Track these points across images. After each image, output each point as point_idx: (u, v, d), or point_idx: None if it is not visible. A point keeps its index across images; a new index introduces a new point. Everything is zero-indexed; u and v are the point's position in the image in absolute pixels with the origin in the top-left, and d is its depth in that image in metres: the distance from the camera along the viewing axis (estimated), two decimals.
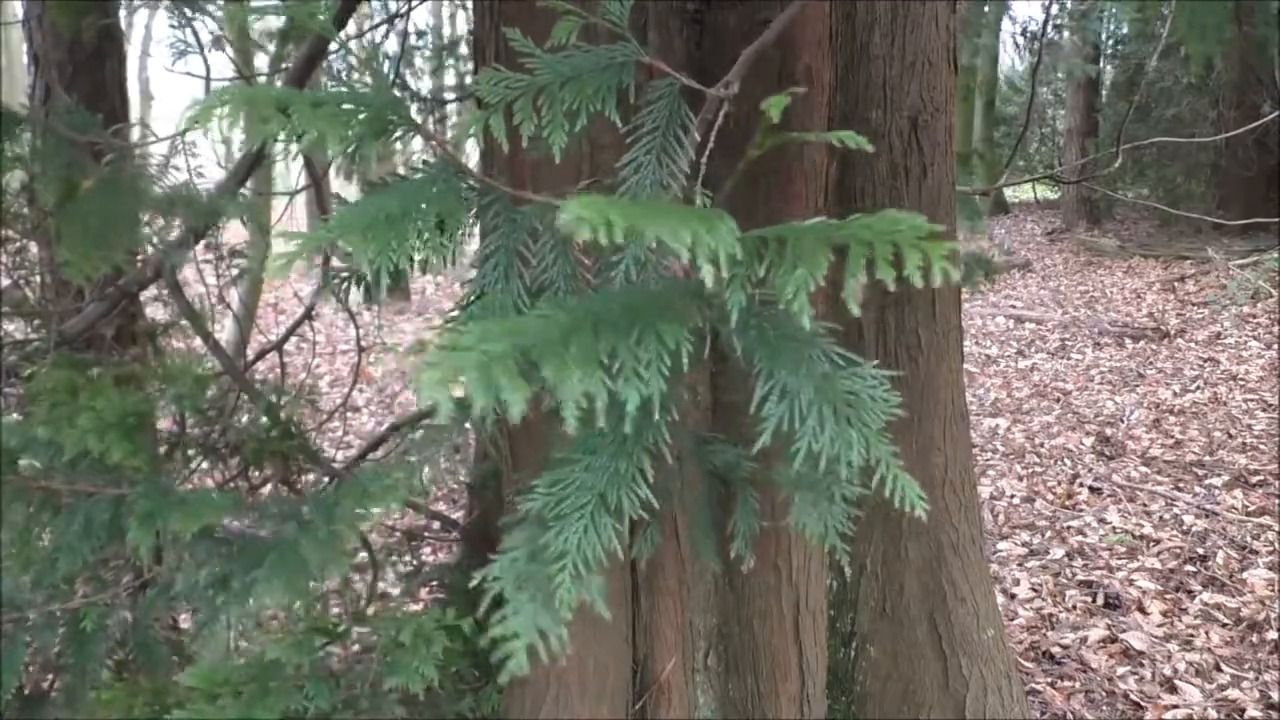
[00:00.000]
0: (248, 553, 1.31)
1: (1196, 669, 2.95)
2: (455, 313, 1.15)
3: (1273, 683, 2.85)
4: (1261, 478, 4.44)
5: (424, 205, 0.95)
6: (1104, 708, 2.80)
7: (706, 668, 1.87)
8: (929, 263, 0.72)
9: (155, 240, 1.94)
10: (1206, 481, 4.46)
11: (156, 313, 2.78)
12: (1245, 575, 3.52)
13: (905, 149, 2.09)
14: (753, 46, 1.08)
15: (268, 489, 1.89)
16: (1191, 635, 3.15)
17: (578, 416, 0.74)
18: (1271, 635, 3.11)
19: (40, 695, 1.66)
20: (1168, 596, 3.41)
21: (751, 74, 1.09)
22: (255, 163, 2.37)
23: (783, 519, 1.74)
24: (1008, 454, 5.11)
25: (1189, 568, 3.62)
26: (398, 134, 1.00)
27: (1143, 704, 2.80)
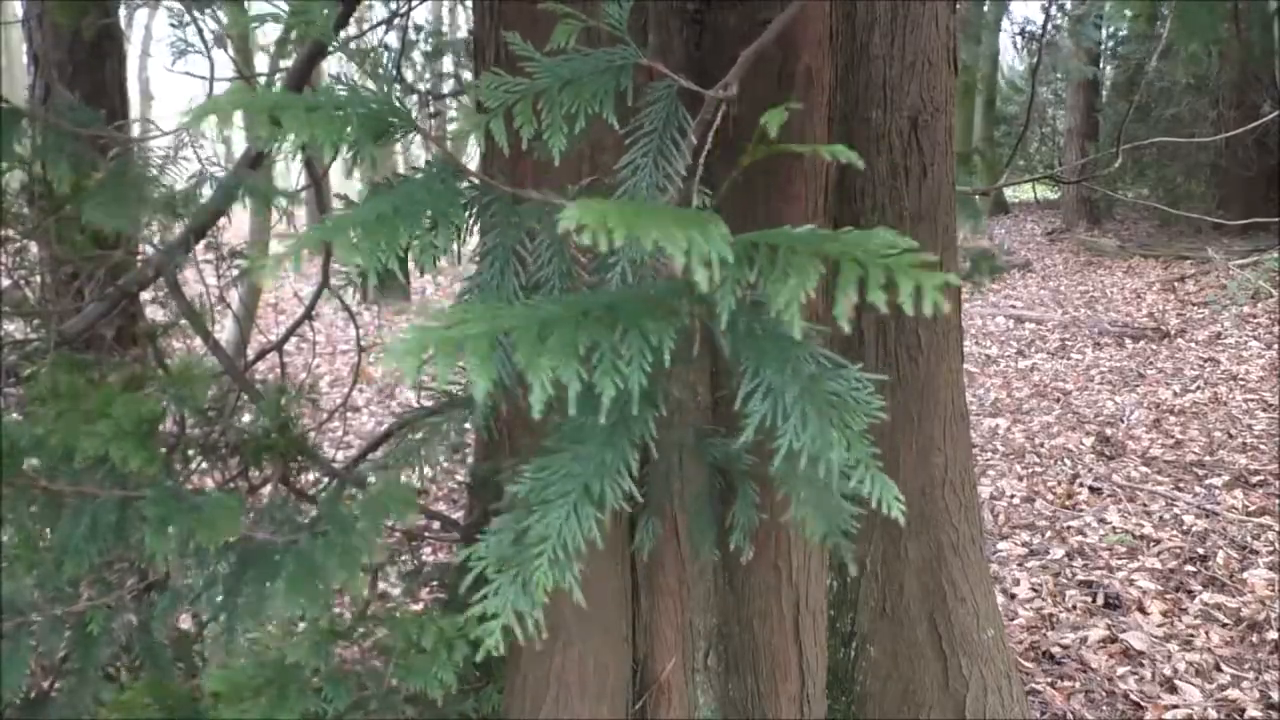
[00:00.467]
0: (257, 559, 1.31)
1: (1196, 669, 2.95)
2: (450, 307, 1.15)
3: (1273, 683, 2.85)
4: (1261, 478, 4.44)
5: (417, 205, 0.96)
6: (1104, 708, 2.80)
7: (706, 668, 1.87)
8: (922, 293, 0.73)
9: (156, 240, 1.94)
10: (1206, 481, 4.47)
11: (156, 313, 2.78)
12: (1245, 575, 3.52)
13: (905, 149, 2.09)
14: (752, 47, 1.09)
15: (268, 489, 1.89)
16: (1191, 635, 3.15)
17: (544, 402, 0.75)
18: (1271, 635, 3.11)
19: (43, 697, 1.66)
20: (1168, 596, 3.41)
21: (752, 74, 1.09)
22: (255, 163, 2.37)
23: (782, 515, 1.75)
24: (1008, 454, 5.11)
25: (1189, 568, 3.62)
26: (397, 135, 1.00)
27: (1143, 704, 2.80)
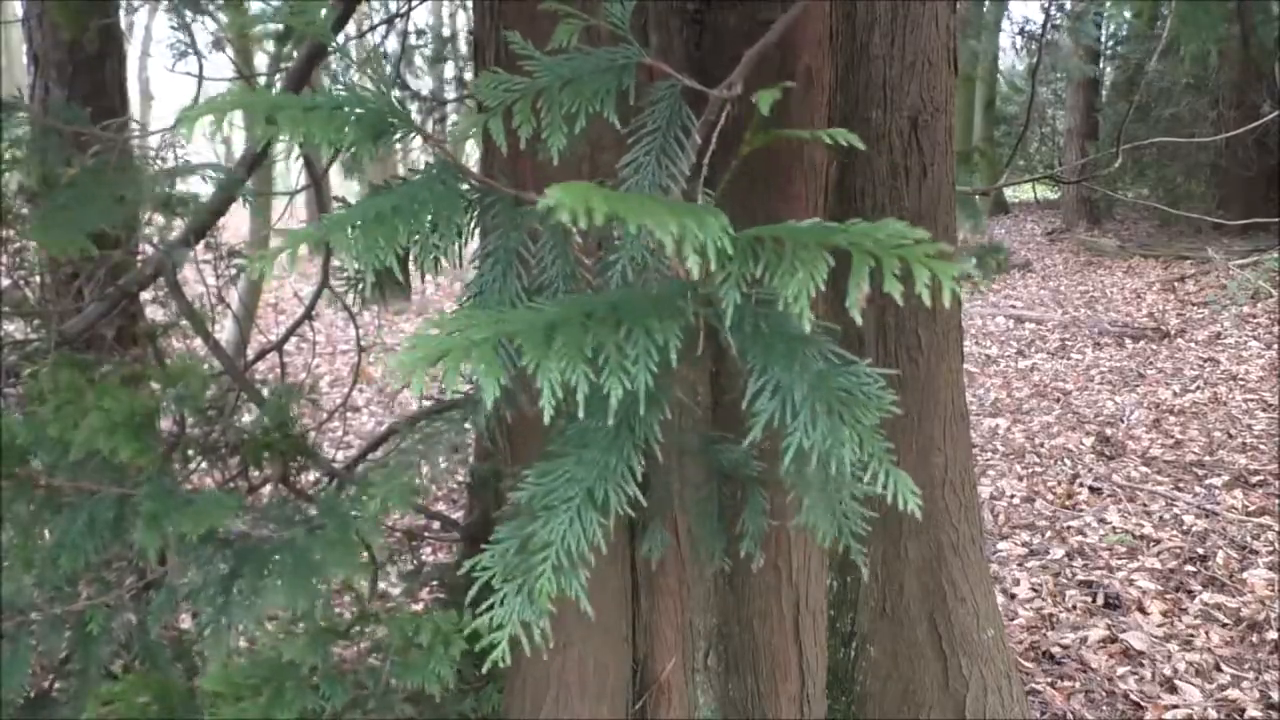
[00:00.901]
0: (253, 555, 1.31)
1: (1196, 669, 2.95)
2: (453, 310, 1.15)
3: (1273, 683, 2.85)
4: (1261, 478, 4.44)
5: (417, 205, 0.96)
6: (1104, 708, 2.80)
7: (706, 668, 1.87)
8: (938, 282, 0.72)
9: (155, 240, 1.94)
10: (1206, 481, 4.46)
11: (156, 313, 2.78)
12: (1245, 575, 3.52)
13: (905, 149, 2.09)
14: (755, 48, 1.09)
15: (268, 489, 1.89)
16: (1191, 635, 3.15)
17: (555, 405, 0.75)
18: (1271, 635, 3.11)
19: (44, 697, 1.66)
20: (1168, 596, 3.41)
21: (752, 74, 1.09)
22: (256, 162, 2.37)
23: (787, 518, 1.75)
24: (1008, 454, 5.11)
25: (1189, 568, 3.62)
26: (397, 135, 1.00)
27: (1143, 704, 2.80)
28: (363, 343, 3.45)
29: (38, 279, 2.52)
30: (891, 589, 2.16)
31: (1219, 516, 4.05)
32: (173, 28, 2.59)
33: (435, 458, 1.26)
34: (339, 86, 1.02)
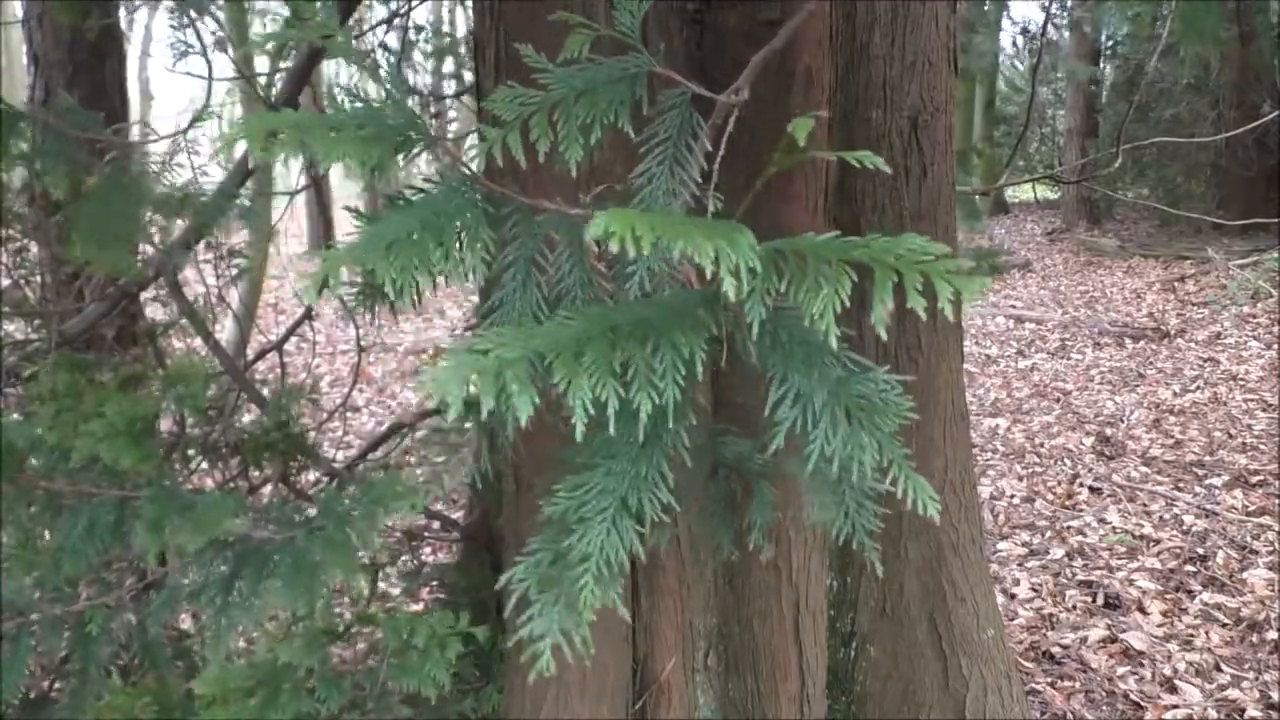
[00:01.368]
0: (253, 556, 1.31)
1: (1196, 669, 2.95)
2: (474, 323, 1.16)
3: (1273, 683, 2.85)
4: (1261, 478, 4.44)
5: (441, 220, 0.96)
6: (1104, 708, 2.80)
7: (706, 668, 1.87)
8: (959, 296, 0.73)
9: (156, 240, 1.94)
10: (1206, 481, 4.47)
11: (156, 313, 2.78)
12: (1245, 575, 3.52)
13: (905, 149, 2.09)
14: (761, 54, 1.09)
15: (268, 489, 1.89)
16: (1191, 635, 3.15)
17: (586, 422, 0.75)
18: (1271, 635, 3.11)
19: (43, 698, 1.66)
20: (1168, 596, 3.41)
21: (756, 72, 1.09)
22: (256, 164, 2.37)
23: (792, 514, 1.74)
24: (1008, 454, 5.11)
25: (1189, 568, 3.62)
26: (416, 150, 1.00)
27: (1143, 704, 2.80)
28: (363, 343, 3.45)
29: (38, 279, 2.52)
30: (891, 589, 2.16)
31: (1219, 516, 4.05)
32: (173, 27, 2.59)
33: (456, 466, 1.27)
34: (344, 93, 1.02)
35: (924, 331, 2.11)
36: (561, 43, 1.11)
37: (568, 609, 0.92)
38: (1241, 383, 6.01)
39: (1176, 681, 2.89)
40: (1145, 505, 4.27)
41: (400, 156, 0.99)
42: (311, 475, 2.18)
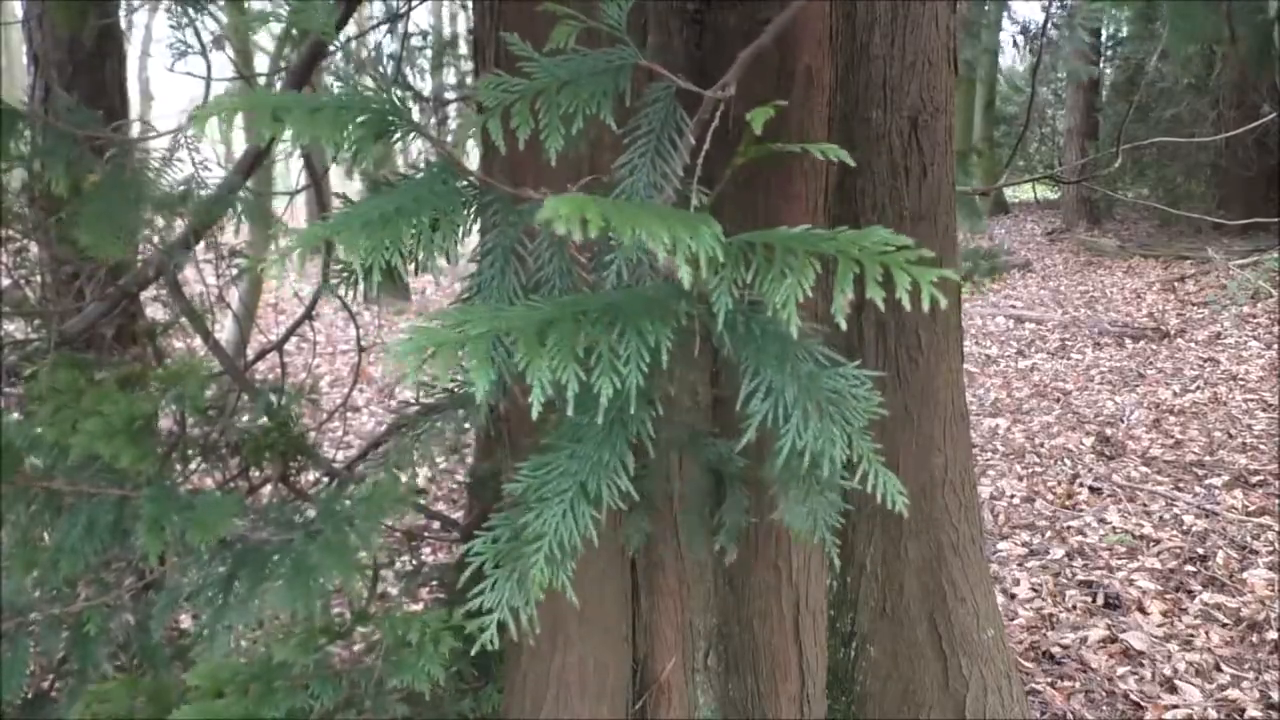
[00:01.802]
0: (252, 558, 1.31)
1: (1196, 669, 2.95)
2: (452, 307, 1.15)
3: (1273, 683, 2.85)
4: (1261, 478, 4.44)
5: (419, 204, 0.97)
6: (1104, 708, 2.80)
7: (706, 668, 1.87)
8: (918, 287, 0.74)
9: (156, 240, 1.94)
10: (1206, 481, 4.46)
11: (156, 313, 2.78)
12: (1245, 575, 3.52)
13: (905, 149, 2.09)
14: (749, 49, 1.09)
15: (268, 489, 1.89)
16: (1191, 635, 3.15)
17: (542, 402, 0.76)
18: (1271, 635, 3.11)
19: (43, 697, 1.66)
20: (1168, 596, 3.41)
21: (752, 74, 1.09)
22: (256, 162, 2.37)
23: (776, 516, 1.75)
24: (1008, 454, 5.11)
25: (1189, 568, 3.62)
26: (398, 135, 1.01)
27: (1143, 704, 2.80)
28: (363, 343, 3.45)
29: (38, 279, 2.52)
30: (891, 589, 2.16)
31: (1219, 516, 4.05)
32: (172, 27, 2.59)
33: (432, 455, 1.27)
34: (339, 85, 1.02)
35: (924, 331, 2.11)
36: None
37: (518, 586, 0.93)
38: (1241, 383, 6.01)
39: (1176, 681, 2.89)
40: (1145, 505, 4.27)
41: (381, 141, 0.99)
42: (312, 475, 2.17)
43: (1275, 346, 6.66)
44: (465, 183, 1.06)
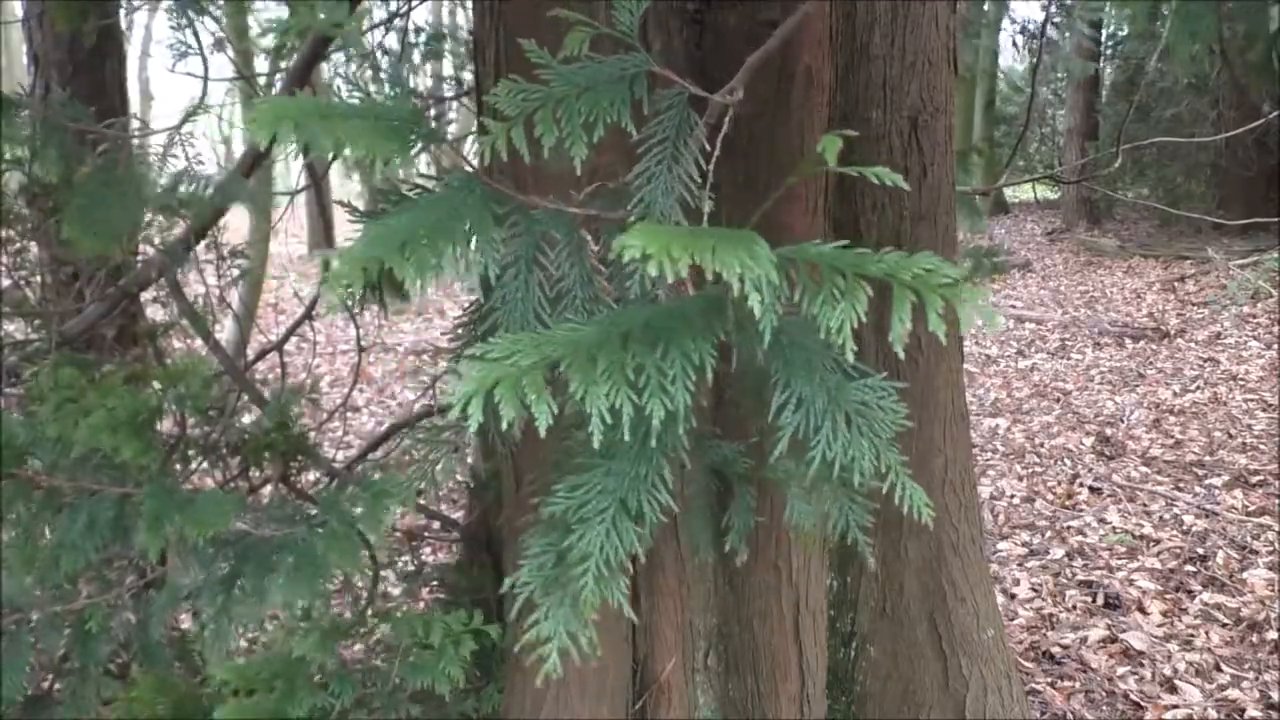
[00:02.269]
0: (255, 553, 1.31)
1: (1196, 669, 2.95)
2: (467, 320, 1.15)
3: (1273, 683, 2.85)
4: (1261, 478, 4.44)
5: (453, 219, 0.96)
6: (1104, 708, 2.80)
7: (706, 668, 1.87)
8: (978, 319, 0.74)
9: (156, 240, 1.94)
10: (1206, 481, 4.46)
11: (156, 313, 2.78)
12: (1245, 575, 3.52)
13: (905, 149, 2.09)
14: (757, 54, 1.09)
15: (268, 489, 1.90)
16: (1191, 635, 3.15)
17: (603, 429, 0.76)
18: (1271, 635, 3.11)
19: (43, 696, 1.66)
20: (1168, 596, 3.41)
21: (752, 74, 1.09)
22: (256, 162, 2.37)
23: (783, 518, 1.74)
24: (1008, 454, 5.11)
25: (1189, 568, 3.62)
26: (418, 145, 1.00)
27: (1143, 704, 2.80)
28: (363, 343, 3.45)
29: (38, 279, 2.52)
30: (891, 589, 2.16)
31: (1219, 516, 4.05)
32: (173, 28, 2.59)
33: (451, 462, 1.27)
34: (348, 88, 1.02)
35: (924, 332, 2.11)
36: (560, 43, 1.11)
37: (572, 610, 0.92)
38: (1241, 383, 6.01)
39: (1176, 681, 2.89)
40: (1145, 505, 4.27)
41: (403, 151, 0.99)
42: (312, 475, 2.18)
43: (1275, 346, 6.66)
44: (484, 194, 1.06)
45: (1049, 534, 4.03)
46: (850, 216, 2.09)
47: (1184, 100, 10.90)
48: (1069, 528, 4.07)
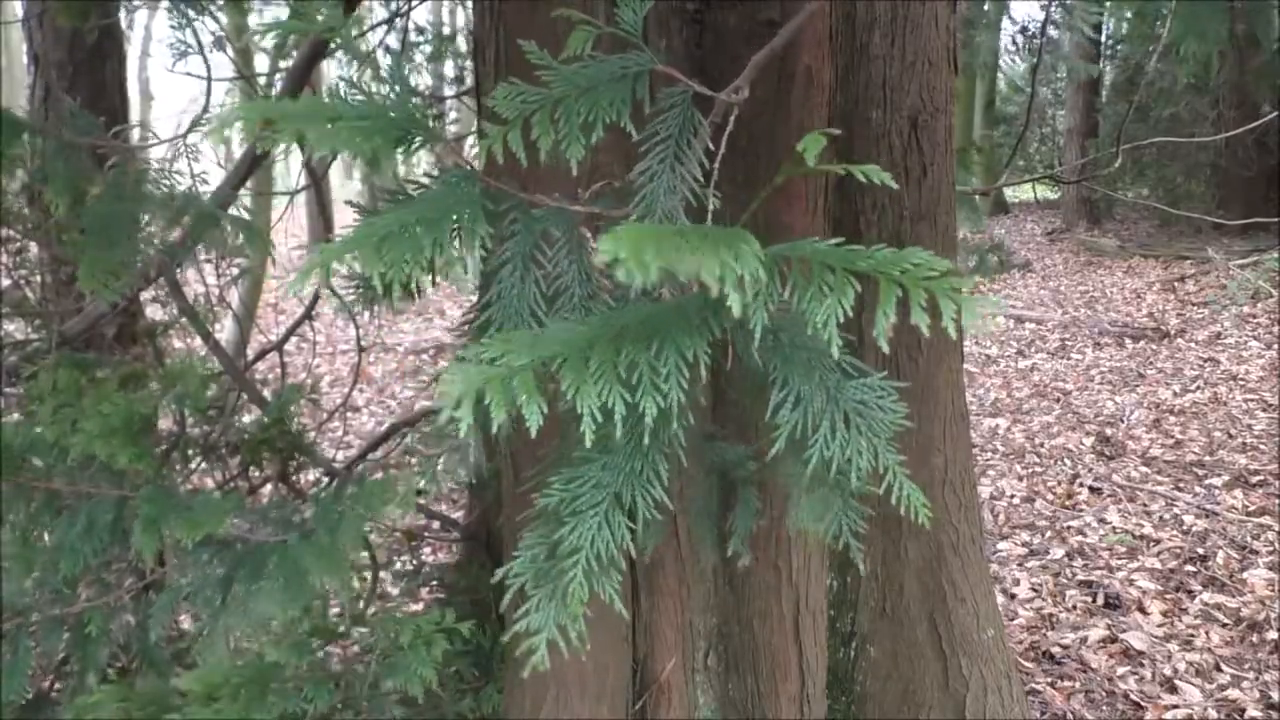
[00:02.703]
0: (249, 558, 1.31)
1: (1196, 669, 2.95)
2: (472, 317, 1.15)
3: (1273, 683, 2.85)
4: (1261, 478, 4.44)
5: (439, 214, 0.96)
6: (1104, 708, 2.80)
7: (706, 668, 1.87)
8: (963, 316, 0.74)
9: (156, 240, 1.94)
10: (1206, 481, 4.46)
11: (156, 313, 2.78)
12: (1245, 575, 3.52)
13: (905, 149, 2.09)
14: (761, 54, 1.09)
15: (268, 489, 1.90)
16: (1191, 635, 3.15)
17: (594, 427, 0.76)
18: (1271, 635, 3.11)
19: (43, 698, 1.66)
20: (1168, 596, 3.41)
21: (756, 71, 1.09)
22: (255, 163, 2.37)
23: (783, 519, 1.74)
24: (1008, 454, 5.11)
25: (1189, 568, 3.62)
26: (416, 144, 1.00)
27: (1143, 704, 2.80)
28: (363, 343, 3.45)
29: (38, 279, 2.52)
30: (891, 589, 2.16)
31: (1219, 516, 4.05)
32: (173, 27, 2.59)
33: (453, 463, 1.27)
34: (346, 86, 1.02)
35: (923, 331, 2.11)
36: (560, 42, 1.11)
37: (563, 603, 0.92)
38: (1241, 383, 6.00)
39: (1176, 681, 2.89)
40: (1145, 505, 4.27)
41: (400, 151, 0.99)
42: (311, 475, 2.18)
43: (1275, 346, 6.66)
44: (479, 191, 1.06)
45: (1049, 534, 4.03)
46: (850, 216, 2.09)
47: (1184, 100, 10.90)
48: (1069, 528, 4.07)
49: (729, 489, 1.57)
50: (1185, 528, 3.98)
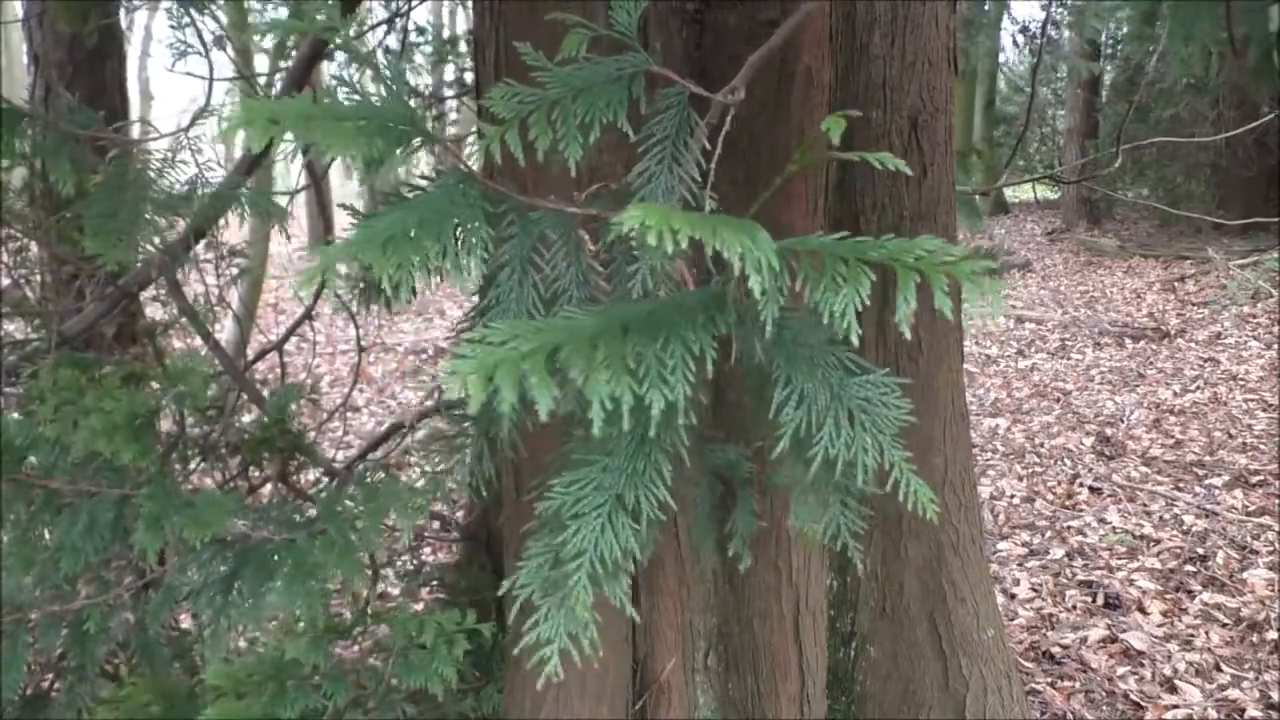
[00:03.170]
0: (254, 557, 1.31)
1: (1196, 669, 2.95)
2: (470, 323, 1.15)
3: (1273, 683, 2.85)
4: (1261, 478, 4.44)
5: (441, 218, 0.95)
6: (1104, 708, 2.80)
7: (706, 668, 1.87)
8: (989, 299, 0.74)
9: (156, 240, 1.94)
10: (1206, 481, 4.46)
11: (156, 313, 2.78)
12: (1245, 575, 3.52)
13: (905, 149, 2.09)
14: (759, 53, 1.09)
15: (268, 489, 1.89)
16: (1191, 635, 3.15)
17: (602, 419, 0.75)
18: (1271, 635, 3.11)
19: (42, 696, 1.66)
20: (1168, 596, 3.41)
21: (753, 72, 1.09)
22: (256, 162, 2.37)
23: (783, 519, 1.74)
24: (1008, 454, 5.11)
25: (1189, 568, 3.62)
26: (417, 145, 1.00)
27: (1143, 704, 2.80)
28: (363, 343, 3.45)
29: (38, 279, 2.52)
30: (891, 589, 2.16)
31: (1219, 516, 4.05)
32: (172, 27, 2.59)
33: (462, 467, 1.27)
34: (346, 89, 1.02)
35: (924, 332, 2.11)
36: (559, 43, 1.11)
37: (571, 611, 0.91)
38: (1241, 383, 6.00)
39: (1176, 681, 2.89)
40: (1145, 505, 4.27)
41: (399, 152, 0.98)
42: (311, 475, 2.18)
43: (1275, 346, 6.66)
44: (476, 191, 1.05)
45: (1049, 534, 4.03)
46: (850, 216, 2.09)
47: (1184, 100, 10.90)
48: (1069, 528, 4.07)
49: (729, 489, 1.57)
50: (1185, 528, 3.98)
